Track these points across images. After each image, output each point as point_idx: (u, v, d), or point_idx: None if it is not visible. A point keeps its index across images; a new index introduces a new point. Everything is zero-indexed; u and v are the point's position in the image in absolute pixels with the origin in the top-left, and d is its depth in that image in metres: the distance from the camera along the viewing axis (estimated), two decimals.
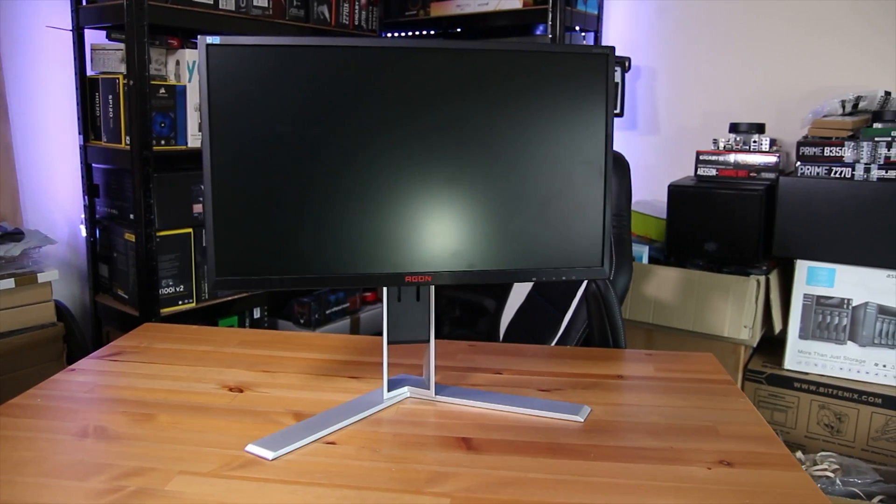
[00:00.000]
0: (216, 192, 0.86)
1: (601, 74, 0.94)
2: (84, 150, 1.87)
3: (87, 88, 1.83)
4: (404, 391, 1.07)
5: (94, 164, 1.89)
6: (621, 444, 0.92)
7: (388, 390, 1.05)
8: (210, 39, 0.82)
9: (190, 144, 1.77)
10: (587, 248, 0.98)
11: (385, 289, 1.00)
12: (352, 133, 0.89)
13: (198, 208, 1.83)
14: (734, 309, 1.93)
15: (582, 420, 0.99)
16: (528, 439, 0.93)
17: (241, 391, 1.06)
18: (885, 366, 1.86)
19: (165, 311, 1.78)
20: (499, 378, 1.15)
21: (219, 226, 0.87)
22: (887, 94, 1.94)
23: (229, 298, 1.95)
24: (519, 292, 2.01)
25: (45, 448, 0.86)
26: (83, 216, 1.95)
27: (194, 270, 1.84)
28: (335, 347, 1.27)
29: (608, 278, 1.00)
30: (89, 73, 1.85)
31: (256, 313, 2.12)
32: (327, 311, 2.28)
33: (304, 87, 0.87)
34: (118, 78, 1.68)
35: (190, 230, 1.81)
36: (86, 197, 1.91)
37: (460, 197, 0.94)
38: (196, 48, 1.80)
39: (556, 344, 1.58)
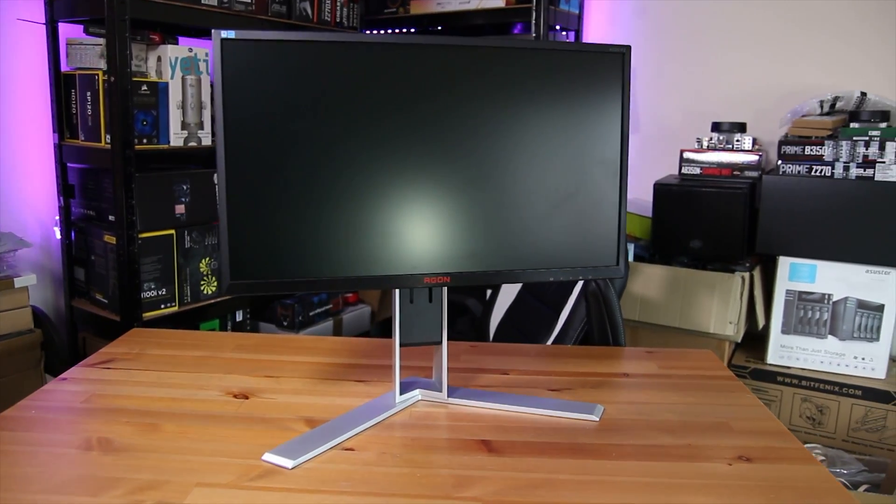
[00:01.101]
0: (231, 192, 0.83)
1: (617, 73, 0.94)
2: (59, 148, 1.79)
3: (62, 84, 1.76)
4: (415, 394, 1.05)
5: (69, 164, 1.82)
6: (640, 443, 0.92)
7: (400, 393, 1.03)
8: (225, 34, 0.79)
9: (172, 143, 1.72)
10: (603, 248, 0.98)
11: (397, 291, 0.98)
12: (370, 131, 0.87)
13: (180, 209, 1.77)
14: (719, 305, 1.96)
15: (597, 419, 0.99)
16: (549, 440, 0.92)
17: (247, 397, 1.03)
18: (864, 359, 1.91)
19: (147, 315, 1.72)
20: (507, 378, 1.14)
21: (233, 227, 0.84)
22: (863, 94, 1.99)
23: (212, 301, 1.90)
24: (508, 292, 2.00)
25: (48, 462, 0.82)
26: (57, 218, 1.87)
27: (177, 273, 1.78)
28: (335, 350, 1.24)
29: (623, 277, 1.00)
30: (64, 68, 1.78)
31: (239, 316, 2.08)
32: (311, 313, 2.24)
33: (321, 84, 0.84)
34: (97, 74, 1.62)
35: (172, 231, 1.76)
36: (61, 198, 1.84)
37: (478, 197, 0.92)
38: (178, 44, 1.75)
39: (553, 343, 1.58)
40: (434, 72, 0.88)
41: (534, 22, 2.25)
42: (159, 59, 1.69)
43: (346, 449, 0.88)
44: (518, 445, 0.90)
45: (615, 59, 0.93)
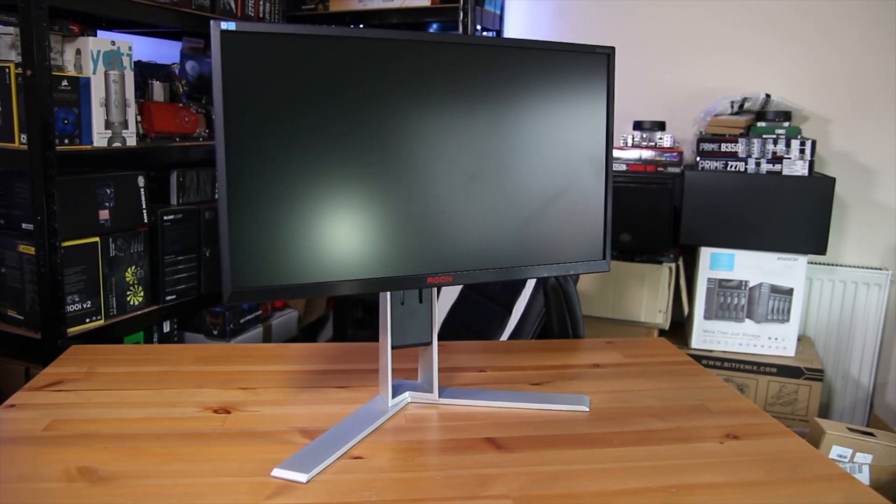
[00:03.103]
0: (231, 193, 0.78)
1: (602, 73, 0.96)
2: None
3: None
4: (405, 397, 1.04)
5: None
6: (635, 429, 0.96)
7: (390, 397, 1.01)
8: (224, 25, 0.74)
9: (96, 144, 1.58)
10: (590, 242, 1.00)
11: (388, 293, 0.96)
12: (372, 130, 0.85)
13: (104, 215, 1.64)
14: (649, 295, 2.07)
15: (588, 409, 1.02)
16: (550, 433, 0.94)
17: (229, 412, 0.97)
18: (777, 339, 2.08)
19: (72, 330, 1.58)
20: (485, 376, 1.15)
21: (234, 230, 0.78)
22: (767, 96, 2.16)
23: (139, 313, 1.77)
24: (448, 291, 2.00)
25: (31, 500, 0.74)
26: None
27: (102, 283, 1.65)
28: (302, 357, 1.20)
29: (608, 270, 1.03)
30: None
31: (166, 327, 1.95)
32: (241, 321, 2.14)
33: (325, 80, 0.81)
34: (8, 67, 1.46)
35: (97, 239, 1.62)
36: None
37: (478, 195, 0.92)
38: (97, 36, 1.62)
39: (510, 338, 1.60)
40: (432, 69, 0.87)
41: (461, 21, 2.27)
42: (78, 52, 1.55)
43: (356, 458, 0.85)
44: (523, 440, 0.91)
45: (600, 60, 0.96)
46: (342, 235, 0.86)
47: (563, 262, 0.99)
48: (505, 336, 1.64)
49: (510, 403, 1.02)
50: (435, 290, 1.00)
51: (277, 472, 0.80)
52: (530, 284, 1.59)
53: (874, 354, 2.26)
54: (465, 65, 0.89)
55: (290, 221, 0.82)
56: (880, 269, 2.27)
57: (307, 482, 0.79)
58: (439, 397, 1.03)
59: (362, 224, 0.87)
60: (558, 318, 1.45)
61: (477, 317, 1.82)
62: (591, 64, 0.96)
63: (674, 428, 0.96)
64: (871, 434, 1.73)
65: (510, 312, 1.67)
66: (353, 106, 0.83)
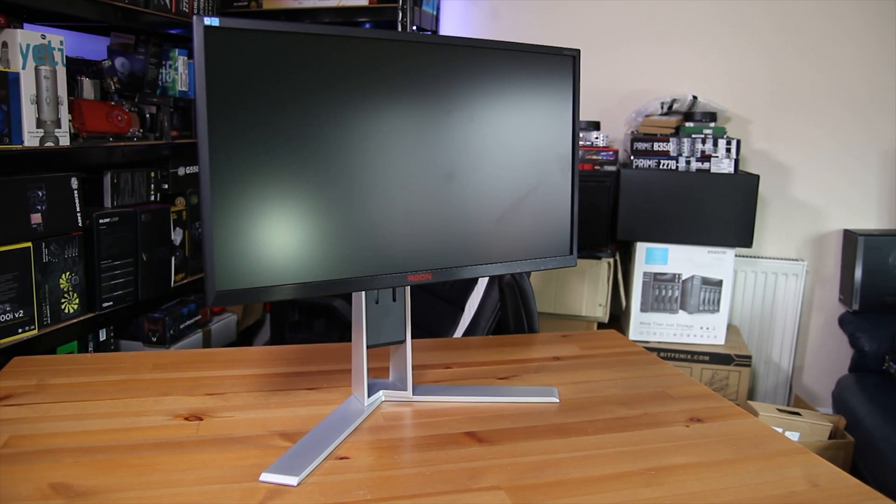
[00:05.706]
0: (215, 193, 0.76)
1: (568, 74, 1.00)
2: None
3: None
4: (379, 395, 1.04)
5: None
6: (606, 417, 1.00)
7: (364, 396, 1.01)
8: (208, 21, 0.72)
9: (27, 143, 1.49)
10: (558, 238, 1.04)
11: (363, 293, 0.96)
12: (354, 129, 0.84)
13: (36, 218, 1.55)
14: (590, 290, 2.14)
15: (558, 401, 1.05)
16: (527, 424, 0.96)
17: (201, 419, 0.95)
18: (708, 328, 2.20)
19: (4, 341, 1.48)
20: (452, 372, 1.17)
21: (219, 231, 0.76)
22: (694, 97, 2.28)
23: (73, 321, 1.68)
24: None
25: None
26: None
27: (35, 291, 1.56)
28: (264, 361, 1.18)
29: (575, 265, 1.07)
30: None
31: (102, 335, 1.86)
32: (181, 326, 2.07)
33: (309, 78, 0.80)
34: None
35: (29, 244, 1.53)
36: None
37: (455, 194, 0.94)
38: (23, 28, 1.53)
39: (464, 335, 1.62)
40: (417, 69, 0.88)
41: (399, 21, 2.28)
42: (5, 44, 1.46)
43: (342, 458, 0.85)
44: (503, 433, 0.93)
45: (567, 61, 0.99)
46: (325, 236, 0.85)
47: (533, 258, 1.02)
48: (459, 333, 1.66)
49: (483, 398, 1.04)
50: (408, 288, 1.00)
51: (266, 477, 0.79)
52: (483, 281, 1.61)
53: (793, 340, 2.43)
54: (443, 63, 0.90)
55: (273, 222, 0.81)
56: (797, 259, 2.44)
57: (298, 485, 0.78)
58: (413, 395, 1.04)
59: (344, 224, 0.86)
60: (514, 314, 1.48)
61: (427, 315, 1.83)
62: (558, 65, 0.99)
63: (641, 414, 1.01)
64: (797, 413, 1.86)
65: (462, 309, 1.69)
66: (336, 105, 0.83)
